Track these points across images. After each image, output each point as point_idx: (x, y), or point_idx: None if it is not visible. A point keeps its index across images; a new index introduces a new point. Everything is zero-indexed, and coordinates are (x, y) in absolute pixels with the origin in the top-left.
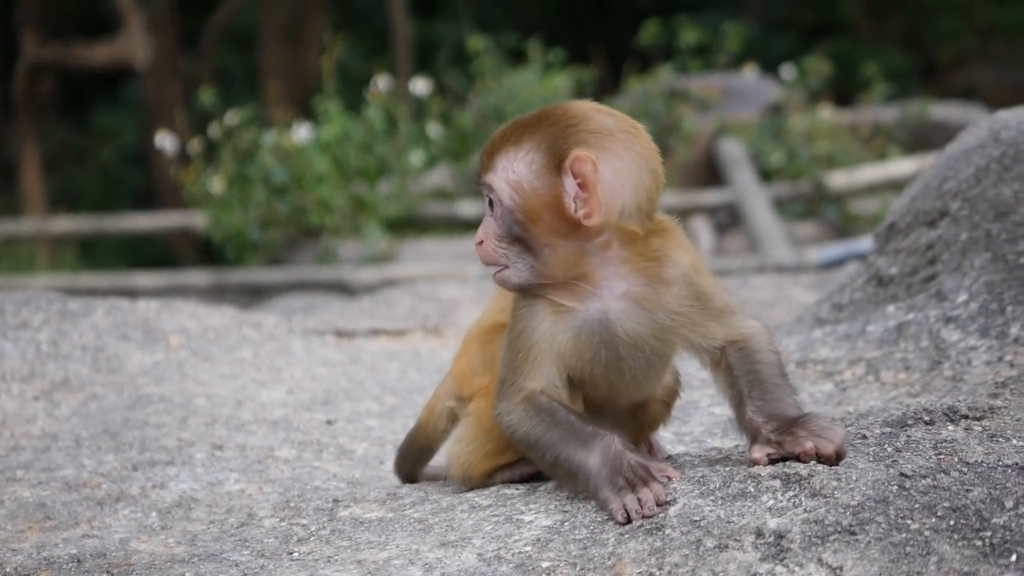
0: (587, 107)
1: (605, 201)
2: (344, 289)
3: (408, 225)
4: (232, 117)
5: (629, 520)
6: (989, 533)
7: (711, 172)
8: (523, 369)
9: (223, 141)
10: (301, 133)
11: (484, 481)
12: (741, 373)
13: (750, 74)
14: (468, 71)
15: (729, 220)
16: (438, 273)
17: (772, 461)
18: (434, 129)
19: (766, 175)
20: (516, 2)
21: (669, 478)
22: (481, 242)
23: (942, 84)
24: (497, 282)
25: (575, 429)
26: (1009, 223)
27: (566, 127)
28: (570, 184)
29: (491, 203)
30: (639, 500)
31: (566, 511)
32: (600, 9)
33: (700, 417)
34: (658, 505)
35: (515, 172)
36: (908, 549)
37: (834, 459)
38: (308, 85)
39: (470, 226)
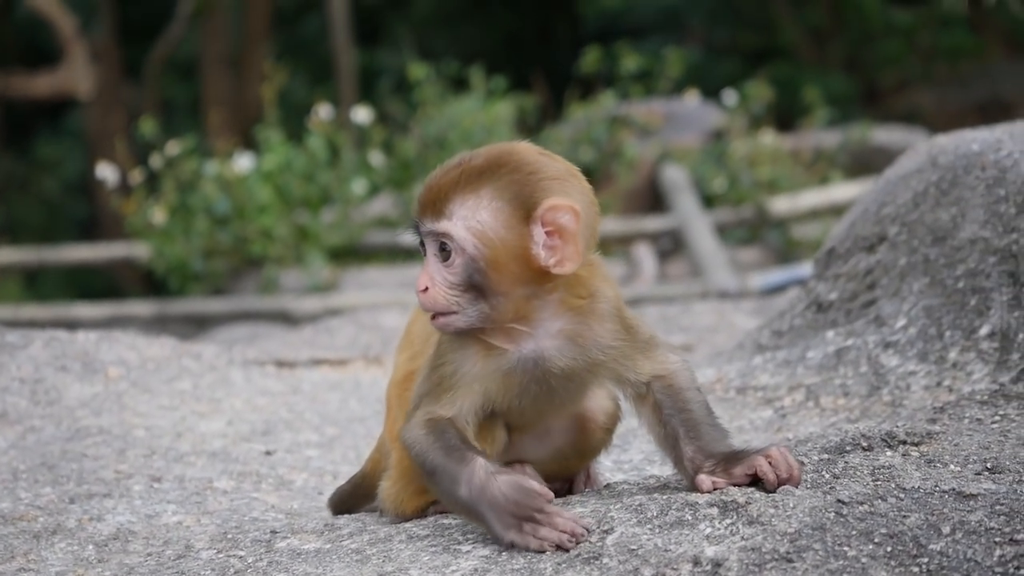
0: (534, 151)
1: (580, 248)
2: (287, 319)
3: (351, 254)
4: (173, 147)
5: (560, 548)
6: (926, 559)
7: (654, 198)
8: (438, 397)
9: (164, 171)
10: (243, 163)
11: (417, 516)
12: (672, 412)
13: (692, 100)
14: (410, 99)
15: (672, 246)
16: (381, 301)
17: (718, 488)
18: (376, 158)
19: (708, 201)
20: (458, 31)
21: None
22: (426, 289)
23: (885, 108)
24: (439, 327)
25: (455, 448)
26: (947, 247)
27: (528, 175)
28: (539, 233)
29: (443, 249)
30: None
31: None
32: (542, 37)
33: (639, 444)
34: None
35: (479, 222)
36: None
37: (788, 477)
38: (251, 115)
39: (413, 254)
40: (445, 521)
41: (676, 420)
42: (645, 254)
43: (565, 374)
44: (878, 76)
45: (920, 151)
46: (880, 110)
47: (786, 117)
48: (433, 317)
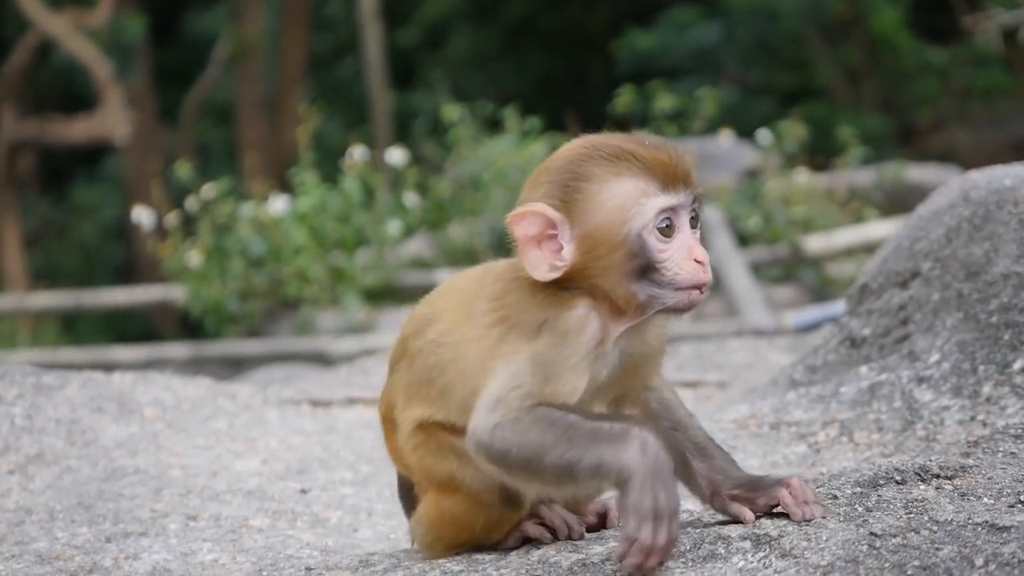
0: None
1: None
2: (323, 360)
3: (386, 295)
4: (209, 190)
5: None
6: None
7: None
8: (547, 380)
9: (200, 214)
10: (278, 205)
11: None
12: (671, 425)
13: (726, 139)
14: (445, 141)
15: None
16: None
17: (758, 517)
18: (411, 199)
19: (743, 239)
20: (493, 72)
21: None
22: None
23: (920, 147)
24: (694, 303)
25: (592, 421)
26: (980, 282)
27: None
28: None
29: (693, 219)
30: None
31: (537, 574)
32: (576, 78)
33: None
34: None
35: None
36: None
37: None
38: (287, 157)
39: None
40: (479, 556)
41: (678, 436)
42: None
43: (632, 363)
44: (913, 115)
45: (952, 187)
46: (915, 149)
47: (821, 157)
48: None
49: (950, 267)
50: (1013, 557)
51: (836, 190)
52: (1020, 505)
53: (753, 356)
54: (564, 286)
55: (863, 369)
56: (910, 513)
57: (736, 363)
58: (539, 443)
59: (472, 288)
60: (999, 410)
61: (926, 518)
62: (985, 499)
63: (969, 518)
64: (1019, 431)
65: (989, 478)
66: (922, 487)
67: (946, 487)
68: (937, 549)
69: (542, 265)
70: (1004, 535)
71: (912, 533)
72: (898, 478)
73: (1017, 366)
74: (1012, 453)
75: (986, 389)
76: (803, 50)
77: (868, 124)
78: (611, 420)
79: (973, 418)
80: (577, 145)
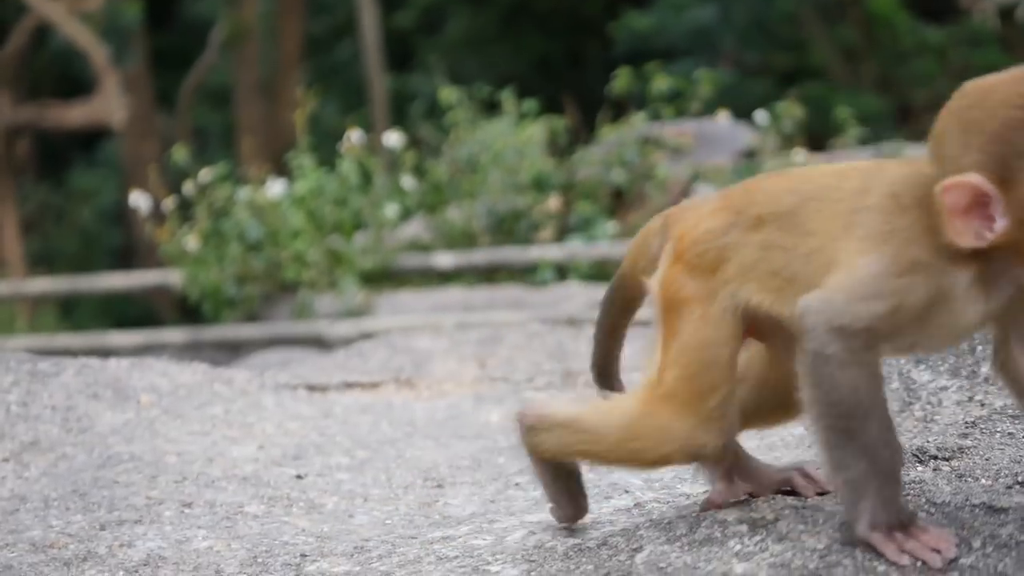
0: None
1: None
2: (321, 343)
3: (384, 278)
4: (206, 174)
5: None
6: (956, 573)
7: None
8: (896, 329)
9: (198, 198)
10: (275, 189)
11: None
12: None
13: (723, 120)
14: (442, 123)
15: None
16: (415, 325)
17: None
18: (408, 181)
19: None
20: (489, 55)
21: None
22: None
23: (917, 127)
24: None
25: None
26: None
27: None
28: None
29: None
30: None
31: (533, 560)
32: (573, 60)
33: None
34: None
35: None
36: None
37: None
38: (284, 141)
39: (446, 277)
40: (475, 542)
41: None
42: None
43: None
44: (911, 95)
45: None
46: (913, 129)
47: (818, 137)
48: None
49: None
50: (1011, 539)
51: None
52: (1018, 486)
53: None
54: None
55: None
56: (907, 495)
57: None
58: (854, 403)
59: (852, 201)
60: (997, 390)
61: (923, 500)
62: (983, 480)
63: (967, 500)
64: (1017, 411)
65: (987, 459)
66: (920, 468)
67: (944, 468)
68: None
69: (967, 234)
70: (1001, 516)
71: None
72: None
73: None
74: (1010, 434)
75: (984, 369)
76: (800, 30)
77: (865, 104)
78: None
79: (971, 398)
80: (1014, 104)
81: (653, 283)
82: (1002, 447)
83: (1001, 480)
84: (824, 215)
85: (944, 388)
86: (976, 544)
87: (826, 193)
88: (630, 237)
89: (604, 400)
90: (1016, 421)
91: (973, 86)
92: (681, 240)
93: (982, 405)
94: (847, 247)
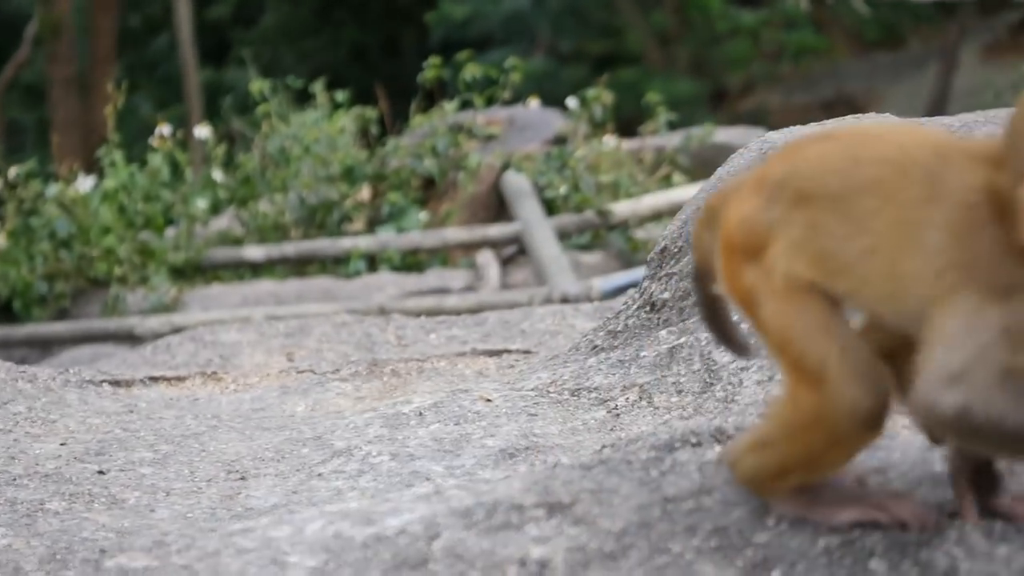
0: None
1: None
2: (133, 339)
3: (196, 272)
4: (15, 171)
5: None
6: (751, 551)
7: (498, 206)
8: (1014, 354)
9: (7, 195)
10: (85, 184)
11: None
12: None
13: (534, 107)
14: (255, 116)
15: (516, 253)
16: (225, 319)
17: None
18: (219, 174)
19: (551, 207)
20: (307, 47)
21: None
22: None
23: (732, 110)
24: None
25: None
26: None
27: None
28: None
29: None
30: None
31: (331, 550)
32: (391, 49)
33: (472, 450)
34: None
35: None
36: (670, 572)
37: None
38: (99, 137)
39: (258, 270)
40: (274, 533)
41: None
42: (489, 261)
43: None
44: (725, 77)
45: (751, 147)
46: (728, 111)
47: (633, 122)
48: None
49: None
50: (803, 515)
51: (645, 155)
52: None
53: (560, 323)
54: None
55: (663, 333)
56: (704, 476)
57: (541, 329)
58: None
59: (918, 196)
60: None
61: (720, 480)
62: None
63: None
64: None
65: None
66: (718, 449)
67: None
68: (729, 510)
69: None
70: None
71: (705, 496)
72: (694, 440)
73: None
74: None
75: None
76: (615, 16)
77: (680, 88)
78: None
79: (771, 378)
80: None
81: (721, 288)
82: None
83: None
84: (883, 218)
85: (745, 368)
86: (770, 522)
87: (883, 190)
88: (441, 226)
89: (770, 410)
90: None
91: None
92: (728, 230)
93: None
94: (921, 270)
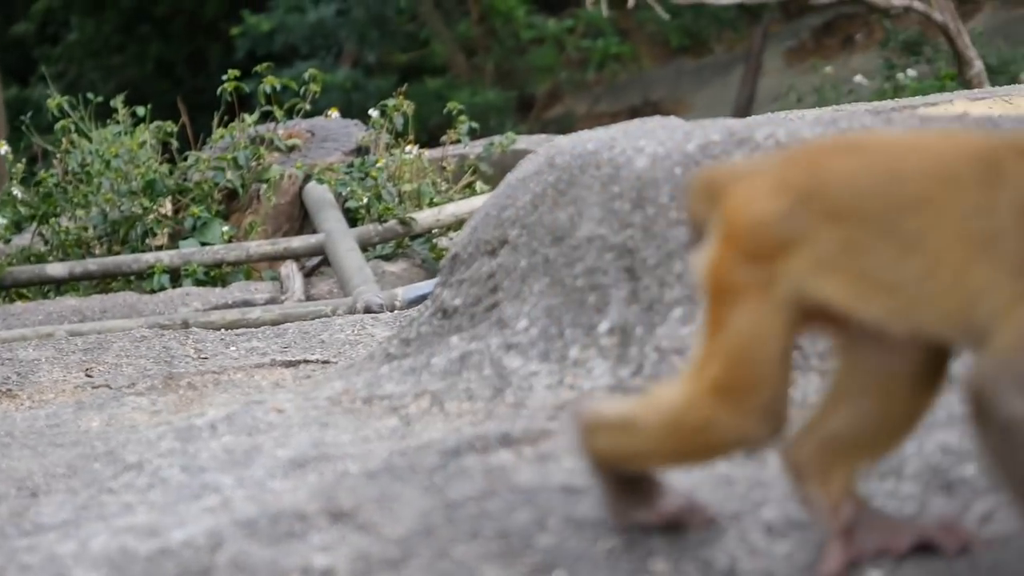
0: None
1: None
2: None
3: None
4: None
5: None
6: (533, 554)
7: (302, 217)
8: None
9: None
10: None
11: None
12: None
13: (335, 118)
14: (57, 133)
15: (320, 264)
16: (29, 335)
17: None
18: (19, 191)
19: (355, 217)
20: (112, 62)
21: None
22: None
23: (539, 118)
24: None
25: None
26: (565, 247)
27: None
28: None
29: None
30: None
31: (115, 564)
32: (197, 64)
33: (263, 460)
34: None
35: None
36: None
37: None
38: None
39: (61, 286)
40: (59, 549)
41: None
42: (293, 273)
43: None
44: (531, 86)
45: (540, 154)
46: (536, 121)
47: (439, 131)
48: None
49: (536, 233)
50: (586, 517)
51: (447, 164)
52: None
53: (359, 333)
54: None
55: (454, 339)
56: (489, 480)
57: (341, 340)
58: None
59: (975, 205)
60: (586, 372)
61: (503, 484)
62: (564, 462)
63: (545, 481)
64: (605, 392)
65: (571, 441)
66: (503, 454)
67: (527, 452)
68: (512, 514)
69: None
70: (578, 496)
71: (489, 500)
72: (480, 446)
73: (603, 328)
74: None
75: (573, 352)
76: (421, 27)
77: (487, 97)
78: None
79: (561, 382)
80: None
81: (700, 264)
82: None
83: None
84: (940, 235)
85: (535, 373)
86: (552, 525)
87: (933, 206)
88: (244, 239)
89: (653, 395)
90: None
91: None
92: (733, 220)
93: (572, 388)
94: (995, 279)
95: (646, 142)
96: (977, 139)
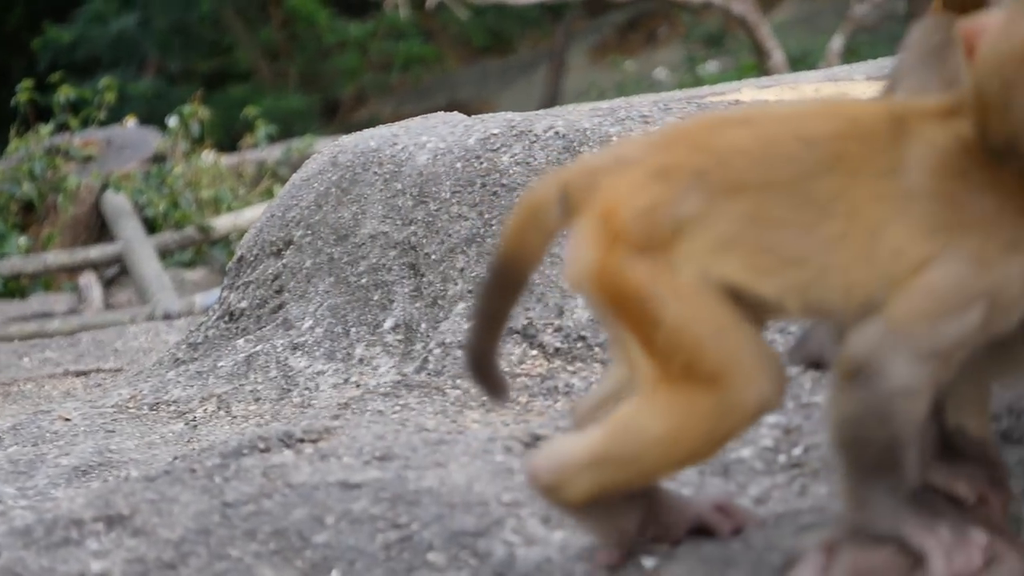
0: None
1: None
2: None
3: None
4: None
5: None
6: (310, 552)
7: (100, 227)
8: (988, 324)
9: None
10: None
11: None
12: None
13: (131, 126)
14: None
15: (119, 273)
16: None
17: None
18: None
19: (153, 225)
20: None
21: None
22: None
23: (345, 122)
24: None
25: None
26: (349, 245)
27: None
28: None
29: None
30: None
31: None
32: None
33: (46, 469)
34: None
35: None
36: None
37: None
38: None
39: None
40: None
41: None
42: (92, 283)
43: None
44: (336, 90)
45: (324, 153)
46: (342, 124)
47: (240, 137)
48: None
49: (321, 232)
50: (363, 513)
51: (245, 169)
52: (375, 461)
53: (153, 340)
54: None
55: (240, 342)
56: (267, 479)
57: (135, 348)
58: (909, 435)
59: (893, 182)
60: (371, 370)
61: (281, 483)
62: (345, 459)
63: (323, 479)
64: (388, 389)
65: (352, 438)
66: (285, 453)
67: (307, 451)
68: (289, 512)
69: None
70: (355, 492)
71: (266, 499)
72: (262, 446)
73: (387, 325)
74: (379, 411)
75: (359, 351)
76: (224, 34)
77: (291, 102)
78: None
79: (347, 380)
80: None
81: (581, 278)
82: (369, 424)
83: (361, 457)
84: (857, 194)
85: (321, 372)
86: (329, 521)
87: (849, 164)
88: (42, 250)
89: (615, 422)
90: (387, 399)
91: None
92: (612, 216)
93: (357, 386)
94: (907, 242)
95: (427, 138)
96: (876, 104)
